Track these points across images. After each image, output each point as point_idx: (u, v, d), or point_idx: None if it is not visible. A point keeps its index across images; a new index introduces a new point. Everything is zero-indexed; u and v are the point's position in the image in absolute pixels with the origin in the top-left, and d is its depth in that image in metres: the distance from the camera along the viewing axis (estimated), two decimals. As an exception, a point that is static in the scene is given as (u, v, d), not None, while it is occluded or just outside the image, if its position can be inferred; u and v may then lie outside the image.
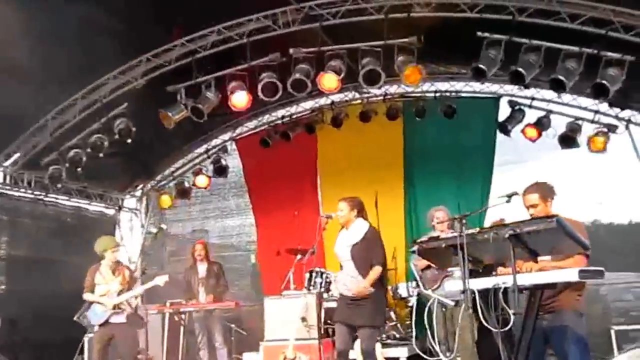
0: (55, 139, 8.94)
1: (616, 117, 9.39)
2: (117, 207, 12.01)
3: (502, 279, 3.96)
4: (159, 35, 8.15)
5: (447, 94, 10.47)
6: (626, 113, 9.35)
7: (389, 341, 8.37)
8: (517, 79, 7.43)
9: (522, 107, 9.65)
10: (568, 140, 9.25)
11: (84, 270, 7.43)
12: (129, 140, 8.62)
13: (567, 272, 3.67)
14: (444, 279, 6.58)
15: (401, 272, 9.93)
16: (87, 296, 7.32)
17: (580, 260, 4.24)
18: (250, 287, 11.83)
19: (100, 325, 7.22)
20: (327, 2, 7.73)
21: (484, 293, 4.06)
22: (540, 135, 9.43)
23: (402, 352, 7.88)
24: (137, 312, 8.96)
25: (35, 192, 10.00)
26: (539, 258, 4.15)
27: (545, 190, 4.76)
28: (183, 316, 8.63)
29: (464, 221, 4.20)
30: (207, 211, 12.48)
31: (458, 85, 10.45)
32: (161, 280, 7.52)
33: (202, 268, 9.06)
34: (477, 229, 4.12)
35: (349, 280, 6.08)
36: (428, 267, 6.79)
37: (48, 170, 8.90)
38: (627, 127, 9.43)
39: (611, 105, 8.81)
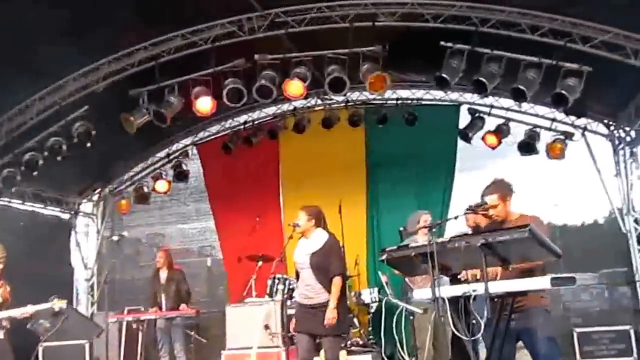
0: (11, 141, 8.64)
1: (572, 125, 9.67)
2: (73, 212, 11.76)
3: (472, 287, 3.96)
4: (122, 38, 8.00)
5: (409, 101, 10.59)
6: (582, 121, 9.63)
7: (353, 348, 8.35)
8: (479, 88, 7.58)
9: (481, 114, 9.80)
10: (527, 147, 9.46)
11: (39, 277, 7.15)
12: (88, 144, 8.39)
13: (539, 280, 3.70)
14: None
15: (364, 278, 9.98)
16: None
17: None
18: (208, 293, 11.73)
19: None
20: (293, 9, 7.74)
21: (454, 301, 4.04)
22: (500, 142, 9.62)
23: (366, 359, 7.89)
24: (93, 320, 8.68)
25: (-14, 196, 9.65)
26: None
27: (503, 189, 4.75)
28: (141, 324, 8.42)
29: (433, 230, 4.24)
30: (168, 216, 12.32)
31: (419, 93, 10.57)
32: (58, 305, 6.31)
33: (163, 275, 8.94)
34: (448, 238, 4.13)
35: (305, 289, 5.94)
36: None
37: (2, 173, 8.55)
38: (583, 135, 9.74)
39: (567, 113, 9.04)
